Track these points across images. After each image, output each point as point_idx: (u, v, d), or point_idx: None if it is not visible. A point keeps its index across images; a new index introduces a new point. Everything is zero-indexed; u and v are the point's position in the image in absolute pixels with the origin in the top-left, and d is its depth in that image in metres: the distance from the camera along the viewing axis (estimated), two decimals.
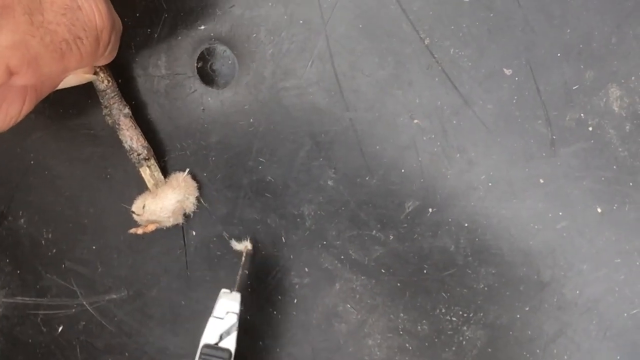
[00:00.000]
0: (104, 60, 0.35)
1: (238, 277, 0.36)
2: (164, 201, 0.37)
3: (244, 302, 0.37)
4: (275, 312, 0.40)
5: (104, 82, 0.37)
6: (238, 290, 0.36)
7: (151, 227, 0.38)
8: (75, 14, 0.29)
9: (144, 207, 0.38)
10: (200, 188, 0.39)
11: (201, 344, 0.34)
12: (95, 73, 0.37)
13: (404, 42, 0.37)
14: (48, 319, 0.40)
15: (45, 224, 0.40)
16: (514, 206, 0.38)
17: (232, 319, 0.35)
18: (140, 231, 0.38)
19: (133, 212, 0.38)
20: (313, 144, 0.38)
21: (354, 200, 0.38)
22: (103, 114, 0.38)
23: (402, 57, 0.37)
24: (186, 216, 0.38)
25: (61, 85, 0.35)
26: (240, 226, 0.39)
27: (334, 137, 0.38)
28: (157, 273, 0.40)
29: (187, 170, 0.38)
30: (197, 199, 0.38)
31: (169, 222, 0.38)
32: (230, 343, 0.35)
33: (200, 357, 0.34)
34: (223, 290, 0.35)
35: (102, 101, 0.38)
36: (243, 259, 0.37)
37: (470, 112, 0.37)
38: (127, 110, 0.38)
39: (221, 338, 0.35)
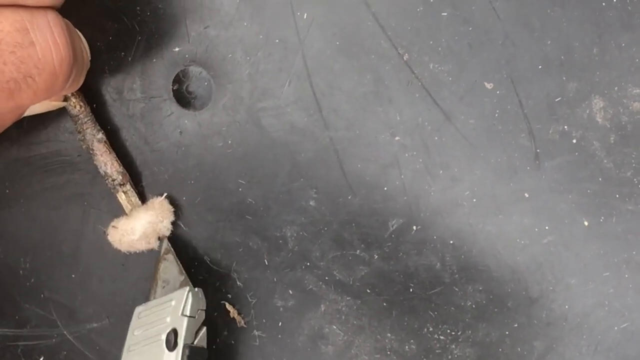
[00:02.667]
0: (67, 90, 0.34)
1: (185, 273, 0.36)
2: (135, 222, 0.36)
3: (227, 326, 0.36)
4: (260, 335, 0.39)
5: (75, 108, 0.36)
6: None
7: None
8: (27, 51, 0.28)
9: (114, 226, 0.37)
10: (179, 212, 0.38)
11: (180, 344, 0.33)
12: (66, 99, 0.36)
13: (383, 59, 0.36)
14: (28, 350, 0.39)
15: (22, 253, 0.39)
16: (500, 222, 0.37)
17: (202, 316, 0.35)
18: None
19: (105, 232, 0.37)
20: (293, 165, 0.37)
21: (336, 220, 0.38)
22: (77, 139, 0.37)
23: (381, 73, 0.36)
24: (160, 239, 0.38)
25: (29, 112, 0.34)
26: (222, 249, 0.38)
27: (314, 157, 0.37)
28: (139, 299, 0.39)
29: (164, 194, 0.37)
30: (174, 223, 0.37)
31: (141, 245, 0.37)
32: (203, 340, 0.35)
33: (184, 359, 0.33)
34: (189, 288, 0.35)
35: (75, 126, 0.37)
36: (162, 251, 0.37)
37: (452, 127, 0.37)
38: (100, 135, 0.37)
39: (195, 337, 0.35)
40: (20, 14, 0.28)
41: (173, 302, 0.35)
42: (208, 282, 0.39)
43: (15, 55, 0.27)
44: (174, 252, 0.37)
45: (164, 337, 0.34)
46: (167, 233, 0.37)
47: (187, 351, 0.34)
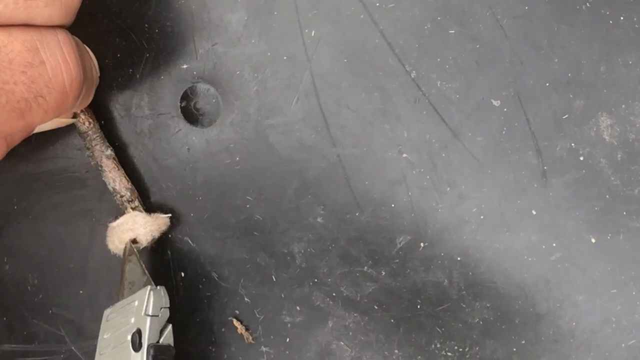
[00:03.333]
0: (77, 107, 0.34)
1: (147, 272, 0.36)
2: (129, 217, 0.37)
3: (234, 343, 0.36)
4: (267, 352, 0.39)
5: (84, 124, 0.36)
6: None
7: None
8: (38, 70, 0.28)
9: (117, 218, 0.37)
10: (187, 228, 0.38)
11: (145, 344, 0.33)
12: (75, 115, 0.36)
13: (390, 76, 0.36)
14: None
15: (30, 269, 0.39)
16: (507, 239, 0.37)
17: (166, 314, 0.35)
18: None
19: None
20: (301, 182, 0.37)
21: (344, 237, 0.38)
22: (86, 155, 0.37)
23: (388, 91, 0.36)
24: (134, 243, 0.37)
25: (38, 130, 0.34)
26: (230, 266, 0.38)
27: (322, 174, 0.37)
28: None
29: (169, 215, 0.38)
30: (178, 244, 0.37)
31: (114, 239, 0.37)
32: (169, 338, 0.34)
33: (149, 359, 0.33)
34: (150, 287, 0.34)
35: (84, 143, 0.37)
36: (127, 252, 0.37)
37: (460, 144, 0.37)
38: (109, 151, 0.37)
39: (160, 335, 0.34)
40: (30, 34, 0.28)
41: (136, 303, 0.34)
42: (215, 298, 0.39)
43: (26, 75, 0.27)
44: (137, 254, 0.36)
45: (129, 338, 0.33)
46: (145, 244, 0.37)
47: (152, 350, 0.33)
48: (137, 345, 0.33)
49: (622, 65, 0.36)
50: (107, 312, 0.36)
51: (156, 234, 0.37)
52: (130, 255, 0.37)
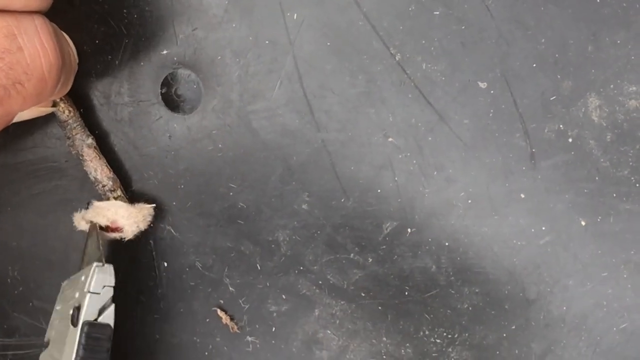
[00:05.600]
0: (56, 95, 0.33)
1: (101, 249, 0.35)
2: (112, 206, 0.36)
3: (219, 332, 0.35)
4: (253, 341, 0.38)
5: (64, 113, 0.36)
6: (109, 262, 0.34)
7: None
8: (15, 57, 0.27)
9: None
10: (170, 217, 0.38)
11: (81, 321, 0.33)
12: (55, 104, 0.35)
13: (375, 59, 0.36)
14: (18, 359, 0.39)
15: (10, 261, 0.38)
16: (496, 223, 0.37)
17: (109, 293, 0.34)
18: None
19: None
20: (285, 168, 0.37)
21: (329, 223, 0.37)
22: (66, 145, 0.36)
23: (373, 74, 0.36)
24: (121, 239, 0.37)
25: (17, 119, 0.34)
26: (214, 255, 0.38)
27: (307, 160, 0.37)
28: (130, 307, 0.38)
29: (153, 205, 0.37)
30: (160, 234, 0.37)
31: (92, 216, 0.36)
32: (109, 318, 0.34)
33: (82, 336, 0.32)
34: (96, 264, 0.34)
35: (64, 132, 0.36)
36: (89, 228, 0.36)
37: (446, 128, 0.36)
38: (90, 140, 0.36)
39: (100, 314, 0.33)
40: (7, 20, 0.27)
41: (82, 278, 0.34)
42: (200, 287, 0.38)
43: (4, 62, 0.27)
44: (97, 229, 0.36)
45: (70, 312, 0.33)
46: (129, 236, 0.36)
47: (86, 327, 0.32)
48: (75, 320, 0.33)
49: (609, 45, 0.35)
50: (64, 284, 0.35)
51: (142, 225, 0.37)
52: (92, 230, 0.36)
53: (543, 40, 0.35)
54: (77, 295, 0.34)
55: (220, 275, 0.38)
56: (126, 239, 0.37)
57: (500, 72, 0.36)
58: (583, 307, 0.37)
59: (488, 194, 0.36)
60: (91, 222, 0.36)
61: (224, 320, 0.38)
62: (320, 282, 0.38)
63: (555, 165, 0.36)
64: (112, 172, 0.37)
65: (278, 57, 0.36)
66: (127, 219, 0.36)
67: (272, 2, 0.36)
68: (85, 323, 0.33)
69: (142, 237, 0.38)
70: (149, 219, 0.37)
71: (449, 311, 0.37)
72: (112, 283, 0.34)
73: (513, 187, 0.36)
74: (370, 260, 0.37)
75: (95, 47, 0.36)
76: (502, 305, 0.37)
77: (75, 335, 0.32)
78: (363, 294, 0.38)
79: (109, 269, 0.34)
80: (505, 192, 0.36)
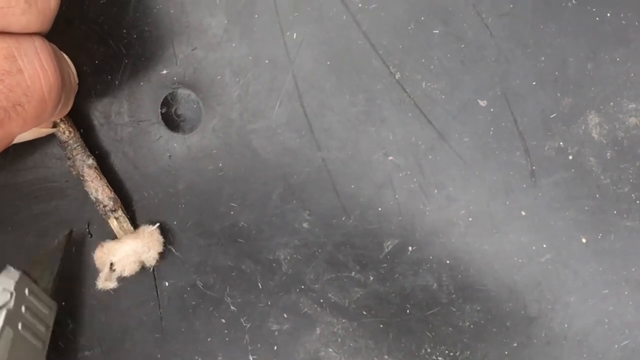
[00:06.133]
0: (56, 116, 0.33)
1: (55, 282, 0.35)
2: (121, 246, 0.36)
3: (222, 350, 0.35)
4: None
5: (65, 133, 0.36)
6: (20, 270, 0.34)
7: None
8: (15, 79, 0.27)
9: (101, 244, 0.36)
10: (171, 236, 0.37)
11: None
12: (55, 125, 0.35)
13: (374, 78, 0.36)
14: None
15: None
16: (497, 240, 0.36)
17: (4, 297, 0.33)
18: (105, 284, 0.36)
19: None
20: (286, 186, 0.37)
21: (330, 242, 0.37)
22: (67, 165, 0.36)
23: (373, 93, 0.36)
24: (147, 269, 0.37)
25: (17, 140, 0.34)
26: (215, 274, 0.38)
27: (307, 178, 0.37)
28: (131, 327, 0.38)
29: (157, 224, 0.37)
30: (161, 254, 0.37)
31: (118, 268, 0.36)
32: None
33: None
34: (8, 266, 0.33)
35: (64, 152, 0.36)
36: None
37: (446, 146, 0.36)
38: (91, 160, 0.36)
39: None
40: (7, 41, 0.27)
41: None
42: (201, 307, 0.38)
43: (4, 84, 0.27)
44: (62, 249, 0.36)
45: None
46: (153, 263, 0.36)
47: None
48: None
49: (609, 62, 0.35)
50: None
51: (159, 248, 0.37)
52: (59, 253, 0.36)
53: (543, 58, 0.35)
54: None
55: (222, 295, 0.38)
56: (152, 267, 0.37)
57: (500, 90, 0.36)
58: (584, 324, 0.37)
59: (489, 212, 0.36)
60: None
61: None
62: (321, 301, 0.38)
63: (555, 183, 0.36)
64: (113, 192, 0.36)
65: (278, 76, 0.36)
66: (146, 252, 0.36)
67: (272, 22, 0.36)
68: None
69: None
70: (162, 239, 0.37)
71: (450, 329, 0.37)
72: (10, 288, 0.33)
73: (514, 205, 0.36)
74: (372, 278, 0.37)
75: (94, 68, 0.36)
76: (504, 323, 0.37)
77: None
78: (364, 312, 0.37)
79: (17, 275, 0.33)
80: (506, 209, 0.36)
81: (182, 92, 0.36)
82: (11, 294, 0.33)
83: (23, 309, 0.34)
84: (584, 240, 0.36)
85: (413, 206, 0.36)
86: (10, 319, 0.32)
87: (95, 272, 0.36)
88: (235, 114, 0.36)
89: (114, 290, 0.37)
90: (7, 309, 0.32)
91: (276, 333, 0.38)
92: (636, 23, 0.35)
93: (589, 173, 0.36)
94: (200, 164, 0.37)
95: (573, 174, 0.36)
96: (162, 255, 0.37)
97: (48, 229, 0.38)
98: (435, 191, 0.36)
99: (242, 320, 0.38)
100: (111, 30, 0.36)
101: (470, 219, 0.36)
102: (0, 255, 0.38)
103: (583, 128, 0.36)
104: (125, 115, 0.37)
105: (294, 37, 0.36)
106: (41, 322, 0.35)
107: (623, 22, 0.35)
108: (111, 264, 0.36)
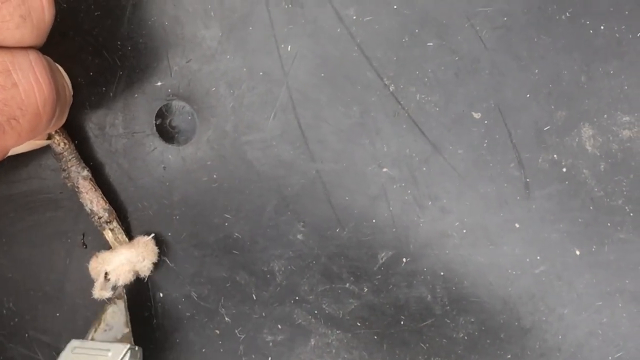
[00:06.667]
0: (51, 128, 0.33)
1: (129, 327, 0.35)
2: (115, 256, 0.36)
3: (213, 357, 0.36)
4: None
5: (59, 145, 0.36)
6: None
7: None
8: (10, 93, 0.27)
9: (96, 255, 0.36)
10: (165, 248, 0.37)
11: None
12: (50, 137, 0.35)
13: (369, 90, 0.36)
14: None
15: (5, 293, 0.38)
16: (490, 252, 0.37)
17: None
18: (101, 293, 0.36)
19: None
20: (280, 198, 0.37)
21: (325, 253, 0.37)
22: (62, 177, 0.36)
23: (367, 105, 0.36)
24: (142, 279, 0.37)
25: (12, 152, 0.34)
26: (209, 285, 0.38)
27: (301, 190, 0.37)
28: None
29: (152, 235, 0.37)
30: (155, 264, 0.37)
31: (113, 279, 0.36)
32: None
33: None
34: (130, 346, 0.34)
35: (59, 164, 0.36)
36: (115, 294, 0.36)
37: (441, 158, 0.36)
38: (85, 172, 0.36)
39: None
40: (2, 56, 0.27)
41: (110, 354, 0.33)
42: (195, 318, 0.38)
43: None
44: (126, 301, 0.36)
45: None
46: (148, 273, 0.36)
47: None
48: None
49: (603, 75, 0.35)
50: (74, 343, 0.34)
51: (154, 258, 0.37)
52: (119, 299, 0.36)
53: (536, 70, 0.35)
54: None
55: (216, 306, 0.38)
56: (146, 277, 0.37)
57: (494, 103, 0.36)
58: (578, 336, 0.37)
59: (483, 224, 0.36)
60: (119, 291, 0.36)
61: None
62: (315, 312, 0.38)
63: (549, 195, 0.36)
64: (107, 204, 0.36)
65: (272, 89, 0.36)
66: (141, 262, 0.36)
67: (266, 34, 0.36)
68: None
69: None
70: (157, 249, 0.37)
71: (444, 340, 0.37)
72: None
73: (508, 217, 0.36)
74: (366, 289, 0.37)
75: (89, 79, 0.36)
76: (498, 335, 0.37)
77: None
78: (359, 324, 0.38)
79: (139, 352, 0.34)
80: (500, 221, 0.36)
81: (177, 104, 0.37)
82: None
83: None
84: (577, 252, 0.36)
85: (407, 218, 0.37)
86: None
87: (88, 282, 0.36)
88: (230, 126, 0.36)
89: (108, 300, 0.37)
90: None
91: (270, 344, 0.38)
92: (629, 36, 0.35)
93: (582, 185, 0.36)
94: (195, 176, 0.37)
95: (567, 186, 0.36)
96: (156, 266, 0.37)
97: (43, 240, 0.38)
98: (430, 203, 0.36)
99: (236, 331, 0.38)
100: (106, 42, 0.36)
101: (464, 231, 0.36)
102: None
103: (577, 140, 0.36)
104: (119, 127, 0.37)
105: (289, 49, 0.36)
106: None
107: (617, 35, 0.35)
108: (106, 273, 0.36)
